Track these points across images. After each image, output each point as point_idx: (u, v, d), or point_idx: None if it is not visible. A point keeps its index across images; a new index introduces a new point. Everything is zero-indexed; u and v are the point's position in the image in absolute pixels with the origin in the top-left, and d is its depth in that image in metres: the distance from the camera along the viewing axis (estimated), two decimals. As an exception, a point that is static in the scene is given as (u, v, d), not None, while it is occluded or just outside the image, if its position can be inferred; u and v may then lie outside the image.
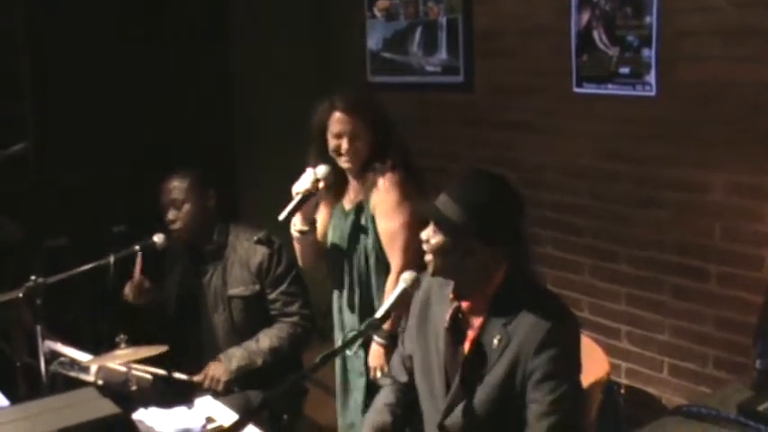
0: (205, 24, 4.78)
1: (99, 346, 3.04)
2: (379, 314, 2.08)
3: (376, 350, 2.71)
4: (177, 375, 3.01)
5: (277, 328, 3.12)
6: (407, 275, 2.15)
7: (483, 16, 3.70)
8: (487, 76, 3.73)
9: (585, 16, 3.20)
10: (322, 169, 2.71)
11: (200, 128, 4.57)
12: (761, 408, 2.07)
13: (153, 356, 2.75)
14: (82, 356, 2.79)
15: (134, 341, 2.68)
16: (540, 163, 3.50)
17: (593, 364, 2.67)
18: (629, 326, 3.24)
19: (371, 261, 2.75)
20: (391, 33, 4.14)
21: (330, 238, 2.86)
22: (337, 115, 2.69)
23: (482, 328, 2.06)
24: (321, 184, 2.70)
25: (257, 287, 3.12)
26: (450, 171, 3.77)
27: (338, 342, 2.89)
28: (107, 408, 1.87)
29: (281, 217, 2.65)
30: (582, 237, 3.38)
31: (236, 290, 3.13)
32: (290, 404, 3.15)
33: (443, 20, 3.84)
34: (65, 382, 2.77)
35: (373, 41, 4.25)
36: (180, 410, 2.58)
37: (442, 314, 2.15)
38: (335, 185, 2.78)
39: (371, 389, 2.71)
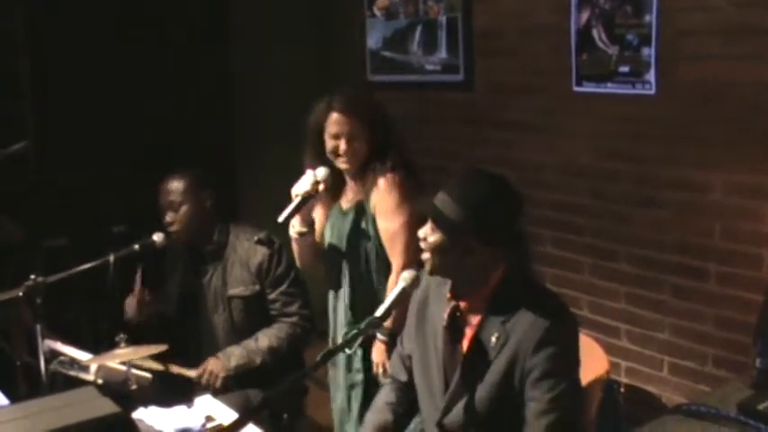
0: (205, 24, 4.79)
1: (99, 345, 3.04)
2: (378, 312, 2.09)
3: (378, 347, 2.72)
4: (175, 369, 3.01)
5: (276, 328, 3.12)
6: (407, 274, 2.15)
7: (483, 15, 3.70)
8: (487, 74, 3.73)
9: (585, 15, 3.20)
10: (321, 171, 2.70)
11: (200, 128, 4.57)
12: (761, 406, 2.07)
13: (153, 356, 2.76)
14: (82, 355, 2.79)
15: (134, 341, 2.68)
16: (539, 162, 3.50)
17: (593, 362, 2.67)
18: (629, 325, 3.24)
19: (372, 261, 2.76)
20: (391, 32, 4.14)
21: (328, 239, 2.85)
22: (335, 116, 2.68)
23: (480, 326, 2.06)
24: (321, 187, 2.69)
25: (257, 287, 3.12)
26: (450, 170, 3.77)
27: (331, 341, 2.89)
28: (107, 407, 1.86)
29: (281, 219, 2.65)
30: (582, 236, 3.38)
31: (236, 290, 3.13)
32: (291, 403, 3.15)
33: (443, 19, 3.85)
34: (64, 381, 2.77)
35: (373, 40, 4.25)
36: (180, 409, 2.58)
37: (440, 313, 2.15)
38: (333, 186, 2.78)
39: (370, 387, 2.71)
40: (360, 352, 2.77)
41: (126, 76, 4.33)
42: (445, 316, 2.13)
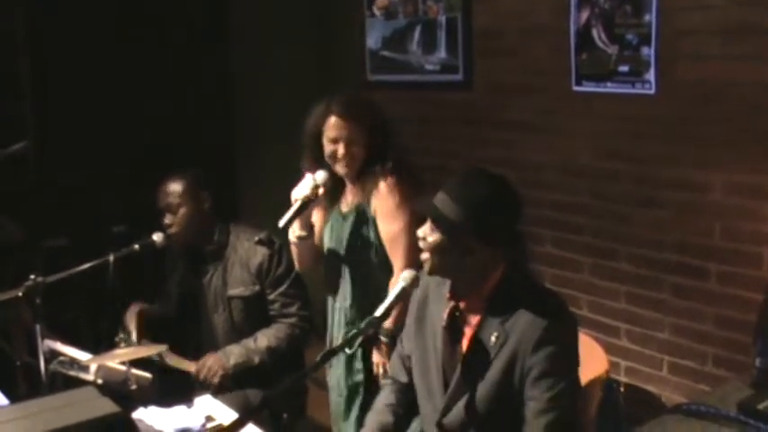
0: (205, 24, 4.79)
1: (98, 345, 3.04)
2: (378, 312, 2.09)
3: (380, 347, 2.72)
4: (174, 360, 3.02)
5: (275, 328, 3.12)
6: (407, 274, 2.15)
7: (482, 15, 3.70)
8: (487, 74, 3.73)
9: (585, 15, 3.20)
10: (321, 175, 2.69)
11: (200, 128, 4.57)
12: (761, 406, 2.07)
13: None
14: (81, 355, 2.79)
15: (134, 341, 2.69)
16: (539, 162, 3.49)
17: (593, 362, 2.67)
18: (629, 324, 3.24)
19: (373, 264, 2.75)
20: (390, 32, 4.14)
21: (327, 242, 2.85)
22: (333, 120, 2.67)
23: (479, 325, 2.06)
24: (320, 190, 2.69)
25: (257, 288, 3.12)
26: (450, 170, 3.77)
27: (328, 344, 2.89)
28: (107, 407, 1.86)
29: (282, 224, 2.64)
30: (581, 235, 3.38)
31: (236, 290, 3.13)
32: (291, 403, 3.15)
33: (443, 18, 3.84)
34: (64, 381, 2.77)
35: (373, 40, 4.25)
36: (179, 409, 2.58)
37: (440, 313, 2.15)
38: (332, 189, 2.77)
39: (370, 387, 2.71)
40: (360, 353, 2.77)
41: (126, 76, 4.33)
42: (444, 316, 2.13)
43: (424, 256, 2.07)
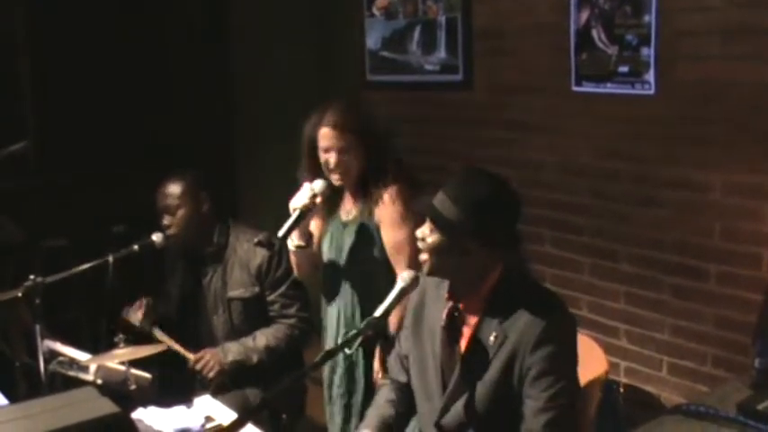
0: (205, 24, 4.79)
1: (98, 345, 3.04)
2: (378, 313, 2.08)
3: (380, 354, 2.71)
4: (176, 346, 3.03)
5: (274, 328, 3.12)
6: (406, 274, 2.15)
7: (482, 15, 3.70)
8: (486, 74, 3.73)
9: (585, 15, 3.20)
10: (319, 184, 2.68)
11: (200, 128, 4.57)
12: (760, 407, 2.07)
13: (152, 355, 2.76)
14: (81, 356, 2.80)
15: (133, 341, 2.68)
16: (539, 162, 3.49)
17: (592, 362, 2.67)
18: (629, 324, 3.24)
19: (376, 272, 2.74)
20: (390, 32, 4.14)
21: (326, 250, 2.84)
22: (324, 131, 2.66)
23: (478, 325, 2.06)
24: (318, 199, 2.68)
25: (257, 289, 3.12)
26: (450, 170, 3.77)
27: (325, 347, 2.88)
28: (106, 407, 1.86)
29: (281, 234, 2.63)
30: (581, 235, 3.38)
31: (235, 292, 3.13)
32: (291, 403, 3.15)
33: (442, 18, 3.84)
34: (64, 381, 2.77)
35: (372, 40, 4.25)
36: (179, 410, 2.58)
37: (438, 314, 2.15)
38: (330, 198, 2.76)
39: (370, 393, 2.71)
40: (361, 360, 2.76)
41: (126, 76, 4.33)
42: (443, 316, 2.13)
43: (423, 256, 2.07)
